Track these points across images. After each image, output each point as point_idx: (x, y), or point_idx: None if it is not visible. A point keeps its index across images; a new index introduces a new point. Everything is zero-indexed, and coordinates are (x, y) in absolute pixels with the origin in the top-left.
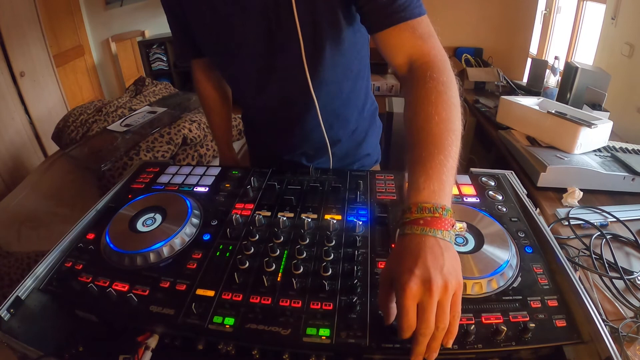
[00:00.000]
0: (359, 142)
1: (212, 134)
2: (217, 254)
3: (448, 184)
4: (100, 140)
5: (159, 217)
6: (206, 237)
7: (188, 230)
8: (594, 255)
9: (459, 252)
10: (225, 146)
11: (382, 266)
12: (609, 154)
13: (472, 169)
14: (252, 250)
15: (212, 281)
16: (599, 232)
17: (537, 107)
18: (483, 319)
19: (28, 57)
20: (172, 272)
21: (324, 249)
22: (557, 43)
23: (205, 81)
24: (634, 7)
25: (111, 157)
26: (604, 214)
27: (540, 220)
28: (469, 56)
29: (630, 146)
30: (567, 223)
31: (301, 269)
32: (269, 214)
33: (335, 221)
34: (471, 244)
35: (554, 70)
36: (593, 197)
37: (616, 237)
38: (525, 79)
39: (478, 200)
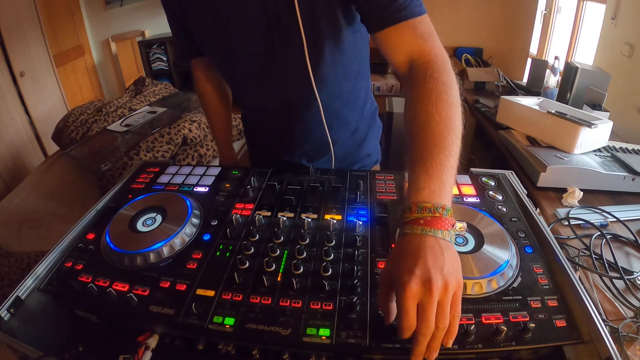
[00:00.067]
0: (359, 143)
1: (212, 133)
2: (217, 254)
3: (448, 183)
4: (100, 140)
5: (159, 217)
6: (206, 237)
7: (188, 230)
8: (594, 255)
9: (459, 252)
10: (225, 146)
11: (382, 266)
12: (609, 154)
13: (472, 169)
14: (252, 250)
15: (212, 281)
16: (599, 232)
17: (537, 107)
18: (483, 319)
19: (28, 57)
20: (172, 272)
21: (324, 249)
22: (557, 43)
23: (205, 81)
24: (634, 7)
25: (111, 157)
26: (604, 214)
27: (540, 220)
28: (469, 56)
29: (630, 146)
30: (567, 223)
31: (301, 269)
32: (269, 214)
33: (335, 221)
34: (471, 244)
35: (554, 70)
36: (593, 197)
37: (616, 237)
38: (525, 79)
39: (478, 200)
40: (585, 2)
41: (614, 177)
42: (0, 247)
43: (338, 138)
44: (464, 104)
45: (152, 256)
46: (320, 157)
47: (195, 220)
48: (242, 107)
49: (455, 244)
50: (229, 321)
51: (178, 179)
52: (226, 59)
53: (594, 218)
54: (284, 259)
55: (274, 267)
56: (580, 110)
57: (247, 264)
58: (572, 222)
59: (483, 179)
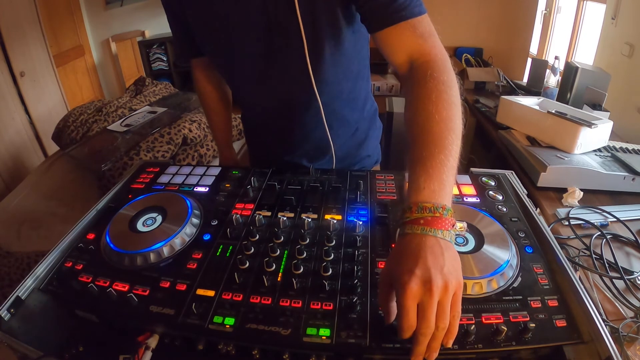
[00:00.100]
0: (360, 143)
1: (212, 133)
2: (217, 254)
3: (448, 183)
4: (100, 140)
5: (159, 217)
6: (206, 237)
7: (188, 230)
8: (594, 255)
9: (459, 252)
10: (225, 146)
11: (382, 266)
12: (609, 154)
13: (472, 169)
14: (252, 250)
15: (212, 281)
16: (599, 232)
17: (537, 107)
18: (483, 319)
19: (28, 57)
20: (172, 272)
21: (324, 249)
22: (557, 43)
23: (205, 81)
24: (634, 7)
25: (111, 157)
26: (604, 214)
27: (541, 220)
28: (469, 56)
29: (630, 146)
30: (567, 223)
31: (301, 269)
32: (269, 214)
33: (335, 221)
34: (471, 244)
35: (554, 70)
36: (593, 197)
37: (616, 237)
38: (525, 79)
39: (478, 200)
40: (585, 2)
41: (614, 177)
42: (0, 247)
43: (338, 138)
44: (464, 104)
45: (152, 256)
46: (321, 157)
47: (195, 220)
48: (242, 107)
49: (455, 244)
50: (229, 321)
51: (178, 179)
52: (226, 59)
53: (594, 218)
54: (284, 259)
55: (274, 267)
56: (580, 110)
57: (247, 264)
58: (572, 222)
59: (483, 179)
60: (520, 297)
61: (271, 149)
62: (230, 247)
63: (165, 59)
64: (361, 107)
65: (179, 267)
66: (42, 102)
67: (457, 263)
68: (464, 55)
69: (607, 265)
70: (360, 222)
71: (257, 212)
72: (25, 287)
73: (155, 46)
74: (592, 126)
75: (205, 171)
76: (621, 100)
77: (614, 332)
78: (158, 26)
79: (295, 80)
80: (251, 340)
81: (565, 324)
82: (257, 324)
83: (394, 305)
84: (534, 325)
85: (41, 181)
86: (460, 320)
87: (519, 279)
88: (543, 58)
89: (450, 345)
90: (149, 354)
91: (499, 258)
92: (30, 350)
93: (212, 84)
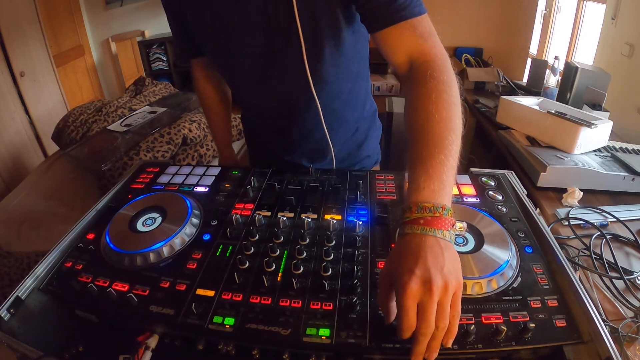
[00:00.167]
0: (359, 144)
1: (212, 134)
2: (217, 254)
3: (448, 183)
4: (100, 140)
5: (159, 217)
6: (206, 237)
7: (188, 230)
8: (594, 255)
9: (459, 252)
10: (224, 146)
11: (382, 266)
12: (609, 154)
13: (472, 169)
14: (252, 250)
15: (212, 281)
16: (599, 232)
17: (537, 107)
18: (483, 319)
19: (28, 57)
20: (172, 272)
21: (324, 249)
22: (557, 43)
23: (205, 81)
24: (634, 7)
25: (111, 157)
26: (604, 214)
27: (540, 220)
28: (469, 56)
29: (630, 146)
30: (567, 223)
31: (301, 269)
32: (269, 214)
33: (335, 221)
34: (471, 244)
35: (554, 70)
36: (593, 197)
37: (616, 237)
38: (525, 79)
39: (478, 200)
40: (585, 2)
41: (614, 177)
42: (0, 247)
43: (338, 139)
44: (464, 104)
45: (152, 256)
46: (321, 157)
47: (195, 220)
48: (242, 107)
49: (455, 244)
50: (229, 321)
51: (178, 179)
52: (226, 59)
53: (594, 218)
54: (284, 259)
55: (274, 267)
56: (580, 110)
57: (247, 264)
58: (572, 222)
59: (483, 179)
60: (520, 297)
61: (271, 149)
62: (230, 247)
63: (165, 59)
64: (361, 107)
65: (179, 267)
66: (42, 102)
67: (457, 263)
68: (464, 55)
69: (606, 265)
70: (360, 222)
71: (257, 212)
72: (25, 287)
73: (155, 46)
74: (592, 126)
75: (205, 171)
76: (621, 100)
77: (613, 332)
78: (158, 26)
79: (294, 81)
80: (251, 340)
81: (565, 324)
82: (257, 324)
83: (393, 305)
84: (533, 325)
85: (41, 181)
86: (460, 320)
87: (519, 279)
88: (543, 58)
89: (450, 345)
90: (148, 354)
91: (499, 258)
92: (30, 350)
93: (212, 84)
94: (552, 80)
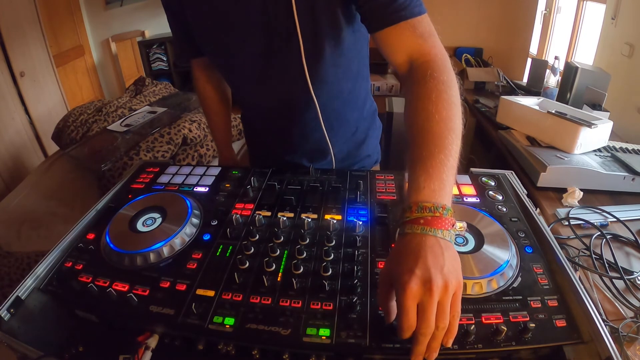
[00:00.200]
0: (359, 144)
1: (212, 134)
2: (217, 254)
3: (448, 183)
4: (100, 140)
5: (159, 217)
6: (206, 237)
7: (188, 230)
8: (594, 255)
9: (459, 252)
10: (224, 146)
11: (382, 266)
12: (609, 154)
13: (472, 169)
14: (252, 250)
15: (212, 281)
16: (599, 232)
17: (537, 107)
18: (483, 319)
19: (28, 57)
20: (172, 272)
21: (324, 249)
22: (557, 43)
23: (205, 81)
24: (634, 7)
25: (111, 157)
26: (604, 214)
27: (540, 220)
28: (469, 56)
29: (630, 146)
30: (567, 223)
31: (301, 269)
32: (269, 214)
33: (335, 221)
34: (471, 244)
35: (554, 70)
36: (593, 197)
37: (616, 237)
38: (525, 79)
39: (478, 200)
40: (585, 2)
41: (614, 177)
42: (0, 247)
43: (338, 138)
44: (464, 104)
45: (152, 256)
46: (321, 157)
47: (195, 220)
48: (242, 107)
49: (455, 244)
50: (229, 321)
51: (178, 179)
52: (226, 59)
53: (594, 218)
54: (284, 259)
55: (274, 267)
56: (580, 110)
57: (247, 264)
58: (572, 222)
59: (483, 179)
60: (520, 297)
61: (271, 149)
62: (230, 247)
63: (165, 59)
64: (361, 107)
65: (179, 267)
66: (42, 102)
67: (457, 263)
68: (464, 55)
69: (607, 265)
70: (360, 222)
71: (257, 212)
72: (25, 287)
73: (155, 46)
74: (592, 126)
75: (205, 171)
76: (621, 100)
77: (613, 332)
78: (158, 26)
79: (294, 81)
80: (251, 340)
81: (565, 324)
82: (257, 324)
83: (393, 305)
84: (533, 325)
85: (41, 181)
86: (460, 320)
87: (519, 279)
88: (543, 58)
89: (450, 345)
90: (148, 354)
91: (499, 258)
92: (30, 350)
93: (212, 84)
94: (552, 80)
